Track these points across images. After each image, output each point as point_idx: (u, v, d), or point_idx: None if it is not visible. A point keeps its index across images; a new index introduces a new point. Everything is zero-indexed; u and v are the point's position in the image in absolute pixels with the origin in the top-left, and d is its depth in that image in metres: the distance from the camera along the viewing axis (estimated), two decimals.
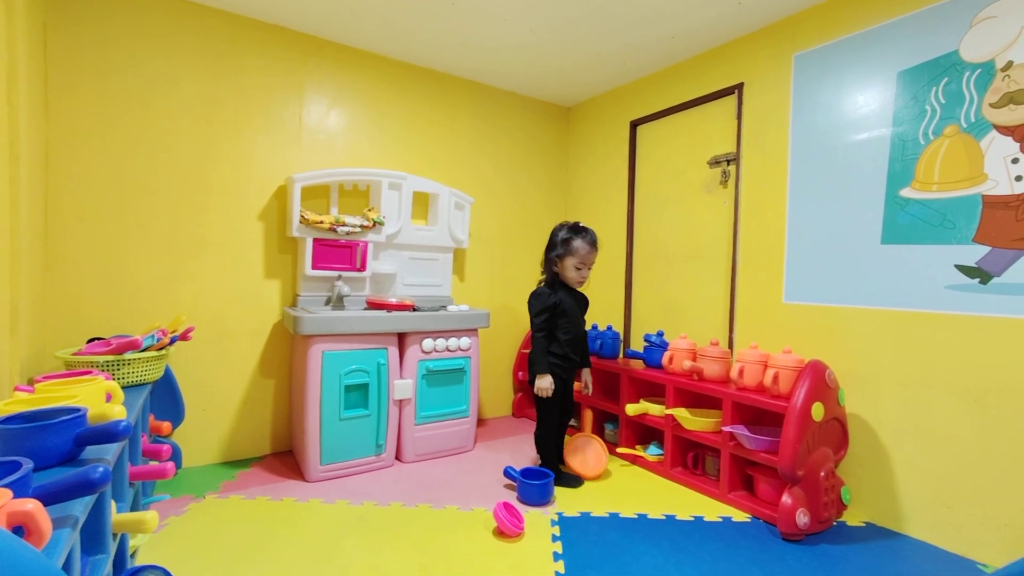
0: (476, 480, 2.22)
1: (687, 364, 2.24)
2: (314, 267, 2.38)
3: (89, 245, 2.06)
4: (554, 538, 1.75)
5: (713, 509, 2.01)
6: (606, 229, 3.16)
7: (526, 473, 2.10)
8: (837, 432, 1.92)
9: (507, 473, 2.14)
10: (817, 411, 1.79)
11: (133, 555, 1.48)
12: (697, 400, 2.36)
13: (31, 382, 1.37)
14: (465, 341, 2.51)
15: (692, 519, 1.92)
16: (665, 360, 2.37)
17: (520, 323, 3.30)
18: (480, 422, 3.03)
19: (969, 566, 1.65)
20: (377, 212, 2.52)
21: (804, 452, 1.76)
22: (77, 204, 2.04)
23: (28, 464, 0.82)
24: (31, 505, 0.68)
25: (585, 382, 2.36)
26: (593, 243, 2.19)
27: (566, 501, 2.04)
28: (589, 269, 2.23)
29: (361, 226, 2.45)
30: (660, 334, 2.52)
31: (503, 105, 3.18)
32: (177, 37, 2.20)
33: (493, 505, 1.89)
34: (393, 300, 2.41)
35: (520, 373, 3.22)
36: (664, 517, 1.93)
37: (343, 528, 1.78)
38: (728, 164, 2.44)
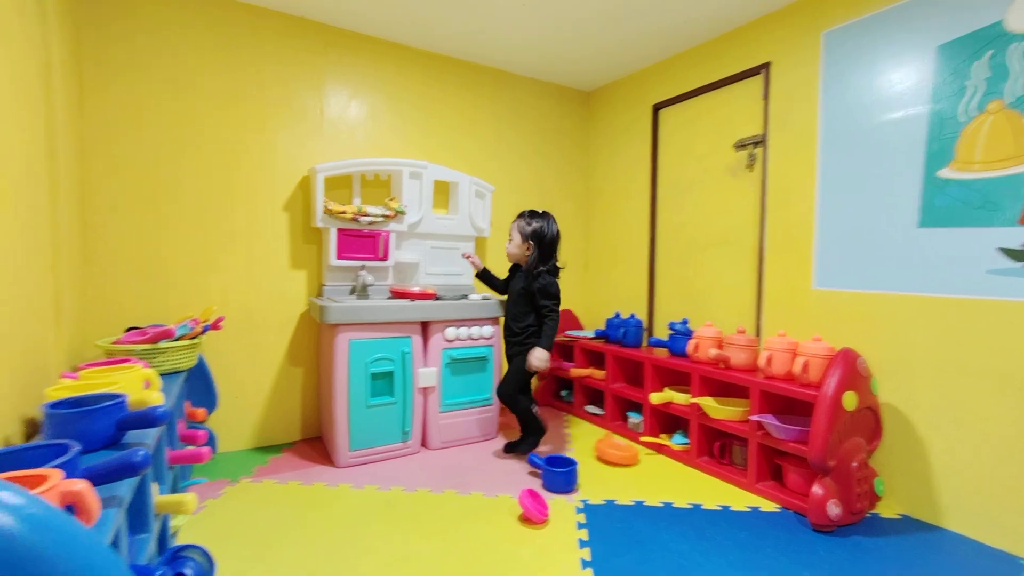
0: (501, 467, 2.24)
1: (713, 352, 2.21)
2: (339, 257, 2.41)
3: (124, 238, 2.13)
4: (579, 525, 1.76)
5: (741, 499, 1.99)
6: (628, 215, 3.12)
7: (550, 461, 2.10)
8: (870, 422, 1.87)
9: (531, 460, 2.15)
10: (849, 400, 1.74)
11: (174, 535, 1.54)
12: (723, 389, 2.32)
13: (75, 369, 1.43)
14: (487, 329, 2.52)
15: (719, 508, 1.91)
16: (690, 348, 2.33)
17: None
18: (503, 410, 3.05)
19: (1012, 561, 1.59)
20: (399, 202, 2.54)
21: (835, 442, 1.72)
22: (111, 198, 2.10)
23: (76, 446, 0.85)
24: (81, 485, 0.71)
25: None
26: None
27: (591, 489, 2.04)
28: None
29: (383, 216, 2.47)
30: (685, 322, 2.49)
31: (523, 91, 3.15)
32: (201, 30, 2.23)
33: (518, 492, 1.90)
34: (416, 289, 2.43)
35: None
36: (690, 506, 1.92)
37: (372, 512, 1.82)
38: (754, 147, 2.38)
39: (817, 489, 1.72)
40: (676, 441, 2.39)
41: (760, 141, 2.35)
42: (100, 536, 0.75)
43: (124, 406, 1.10)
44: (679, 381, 2.54)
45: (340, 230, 2.41)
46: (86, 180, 2.05)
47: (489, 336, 2.53)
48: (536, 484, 2.07)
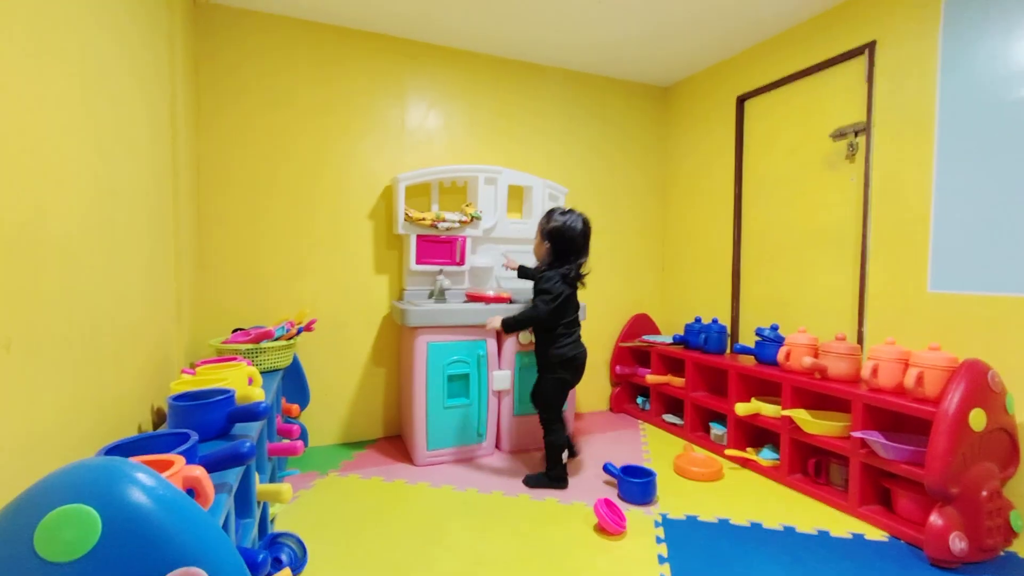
0: (575, 474, 2.21)
1: (807, 361, 2.03)
2: (418, 262, 2.51)
3: (230, 246, 2.35)
4: (658, 540, 1.68)
5: (840, 523, 1.81)
6: (709, 214, 2.96)
7: (627, 470, 2.04)
8: (1004, 445, 1.63)
9: (607, 469, 2.10)
10: (976, 419, 1.53)
11: (272, 521, 1.67)
12: (819, 401, 2.13)
13: (192, 365, 1.59)
14: None
15: (815, 532, 1.75)
16: (781, 356, 2.17)
17: (617, 316, 3.22)
18: (577, 416, 3.01)
19: None
20: (474, 207, 2.59)
21: (959, 466, 1.52)
22: (220, 210, 2.33)
23: (195, 436, 0.95)
24: (200, 471, 0.79)
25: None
26: None
27: (671, 502, 1.96)
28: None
29: (460, 221, 2.53)
30: (774, 328, 2.32)
31: (596, 90, 3.10)
32: (295, 51, 2.42)
33: (592, 500, 1.87)
34: (491, 293, 2.47)
35: (618, 367, 3.15)
36: (782, 528, 1.78)
37: (449, 511, 1.86)
38: (856, 135, 2.17)
39: (936, 519, 1.53)
40: (764, 456, 2.23)
41: (863, 129, 2.13)
42: (214, 519, 0.83)
43: (233, 400, 1.21)
44: (767, 391, 2.37)
45: (419, 236, 2.50)
46: (201, 195, 2.29)
47: None
48: (612, 494, 2.01)
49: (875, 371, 1.82)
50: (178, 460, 0.80)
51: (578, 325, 2.17)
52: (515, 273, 2.39)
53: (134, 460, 0.73)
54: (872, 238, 2.11)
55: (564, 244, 2.06)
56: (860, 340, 2.14)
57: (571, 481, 2.12)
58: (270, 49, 2.38)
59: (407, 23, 2.46)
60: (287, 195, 2.44)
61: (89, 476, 0.62)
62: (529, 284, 2.79)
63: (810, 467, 2.05)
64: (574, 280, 2.08)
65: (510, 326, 2.09)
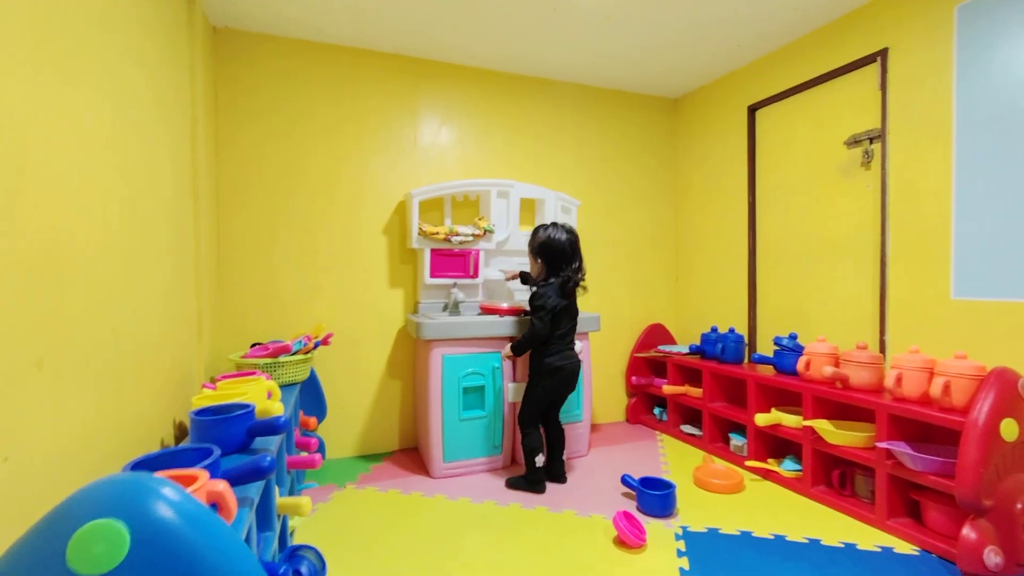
0: (592, 486, 2.19)
1: (828, 370, 2.00)
2: (432, 276, 2.53)
3: (248, 264, 2.40)
4: (679, 553, 1.66)
5: (868, 536, 1.76)
6: (722, 223, 2.95)
7: (645, 482, 2.02)
8: None
9: (625, 481, 2.08)
10: (1008, 429, 1.49)
11: (291, 534, 1.68)
12: (841, 411, 2.09)
13: (213, 380, 1.62)
14: (577, 345, 2.49)
15: (842, 546, 1.70)
16: (801, 366, 2.13)
17: (631, 326, 3.20)
18: (593, 427, 2.99)
19: None
20: (487, 221, 2.61)
21: (991, 477, 1.47)
22: (239, 230, 2.38)
23: (217, 451, 0.96)
24: (223, 486, 0.80)
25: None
26: None
27: (691, 514, 1.92)
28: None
29: (473, 235, 2.55)
30: (793, 337, 2.28)
31: (607, 103, 3.12)
32: (310, 73, 2.48)
33: (611, 512, 1.85)
34: (505, 305, 2.47)
35: (634, 378, 3.12)
36: (807, 540, 1.74)
37: (466, 524, 1.85)
38: (871, 142, 2.15)
39: (969, 532, 1.48)
40: (786, 467, 2.19)
41: (878, 135, 2.11)
42: (237, 533, 0.84)
43: (253, 415, 1.23)
44: (787, 401, 2.33)
45: (433, 250, 2.52)
46: (220, 214, 2.35)
47: (579, 351, 2.50)
48: (630, 506, 1.99)
49: (899, 380, 1.78)
50: (202, 475, 0.81)
51: (572, 335, 2.21)
52: (519, 282, 2.42)
53: (160, 475, 0.75)
54: (891, 245, 2.08)
55: (553, 256, 2.14)
56: (882, 349, 2.10)
57: (588, 493, 2.10)
58: (286, 71, 2.44)
59: (418, 43, 2.51)
60: (303, 212, 2.48)
61: (118, 491, 0.64)
62: None
63: (834, 478, 2.01)
64: (572, 288, 2.15)
65: (518, 351, 2.20)
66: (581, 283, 2.18)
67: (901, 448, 1.71)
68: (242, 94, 2.37)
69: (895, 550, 1.67)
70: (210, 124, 2.21)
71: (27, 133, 0.88)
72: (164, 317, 1.54)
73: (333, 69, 2.52)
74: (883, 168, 2.09)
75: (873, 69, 2.14)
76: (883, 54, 2.08)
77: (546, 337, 2.12)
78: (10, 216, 0.82)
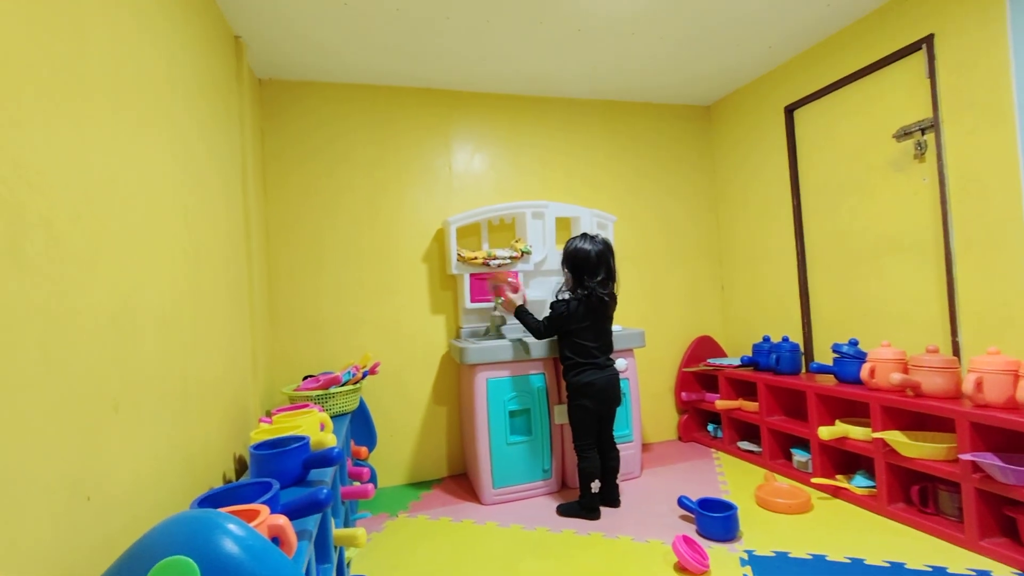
0: (648, 509, 2.11)
1: (896, 377, 1.87)
2: (472, 300, 2.55)
3: (297, 298, 2.50)
4: None
5: (958, 559, 1.61)
6: (767, 229, 2.85)
7: (704, 504, 1.93)
8: None
9: (682, 503, 1.99)
10: None
11: (348, 565, 1.69)
12: (915, 421, 1.94)
13: (268, 414, 1.68)
14: (621, 362, 2.43)
15: (929, 569, 1.56)
16: (864, 374, 2.01)
17: (678, 340, 3.11)
18: (644, 447, 2.90)
19: None
20: (524, 242, 2.63)
21: None
22: (288, 266, 2.49)
23: (276, 485, 0.99)
24: (283, 520, 0.82)
25: None
26: None
27: (756, 537, 1.82)
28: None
29: (511, 257, 2.57)
30: (853, 343, 2.16)
31: (639, 117, 3.11)
32: (351, 116, 2.60)
33: (669, 537, 1.77)
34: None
35: (683, 394, 3.02)
36: (888, 564, 1.60)
37: (520, 551, 1.82)
38: (923, 133, 2.04)
39: None
40: (857, 484, 2.05)
41: (930, 125, 2.00)
42: (298, 566, 0.85)
43: (308, 447, 1.26)
44: (852, 412, 2.19)
45: (472, 275, 2.56)
46: (271, 253, 2.47)
47: (623, 369, 2.44)
48: (690, 530, 1.90)
49: (979, 385, 1.65)
50: (263, 510, 0.84)
51: (602, 355, 2.14)
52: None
53: (224, 511, 0.77)
54: (956, 239, 1.94)
55: (578, 266, 2.13)
56: (956, 352, 1.95)
57: (644, 517, 2.03)
58: (327, 115, 2.57)
59: (450, 75, 2.59)
60: (346, 247, 2.58)
61: (188, 528, 0.67)
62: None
63: (914, 495, 1.85)
64: (598, 304, 2.09)
65: (518, 313, 2.24)
66: (607, 293, 2.10)
67: (989, 460, 1.57)
68: (289, 141, 2.51)
69: (993, 574, 1.52)
70: (258, 170, 2.35)
71: (108, 189, 0.96)
72: (223, 355, 1.62)
73: (370, 108, 2.63)
74: (939, 159, 1.97)
75: (918, 57, 2.04)
76: (928, 40, 1.99)
77: (546, 335, 2.20)
78: (92, 270, 0.88)
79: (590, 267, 2.10)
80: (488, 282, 2.51)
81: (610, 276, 2.13)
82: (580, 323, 2.10)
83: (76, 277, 0.84)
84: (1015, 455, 1.62)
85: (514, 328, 2.64)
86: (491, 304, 2.59)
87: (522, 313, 2.25)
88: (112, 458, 0.91)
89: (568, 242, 2.20)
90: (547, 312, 2.20)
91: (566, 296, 2.17)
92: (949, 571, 1.55)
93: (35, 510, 0.70)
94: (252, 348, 1.99)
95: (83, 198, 0.88)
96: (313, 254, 2.53)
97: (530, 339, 2.35)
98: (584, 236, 2.17)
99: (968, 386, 1.67)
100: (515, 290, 2.35)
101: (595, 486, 2.07)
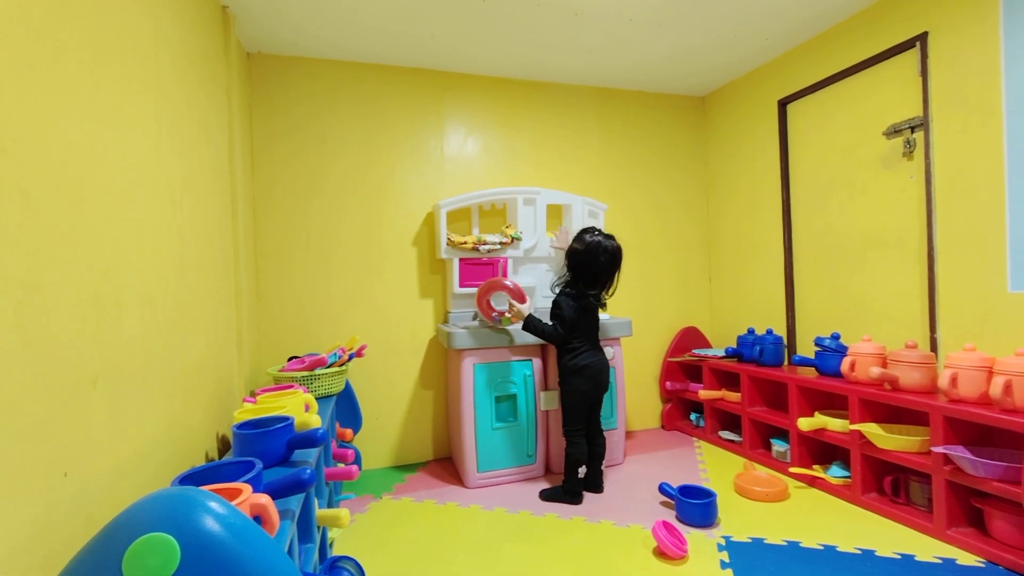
0: (629, 495, 2.15)
1: (876, 371, 1.91)
2: (461, 285, 2.54)
3: (283, 278, 2.47)
4: (723, 564, 1.60)
5: (926, 547, 1.66)
6: (757, 222, 2.87)
7: (685, 491, 1.97)
8: None
9: (663, 490, 2.03)
10: None
11: (331, 546, 1.70)
12: (891, 414, 1.99)
13: (253, 394, 1.67)
14: (608, 351, 2.45)
15: (898, 557, 1.61)
16: (845, 367, 2.05)
17: (664, 330, 3.14)
18: (628, 434, 2.94)
19: None
20: (514, 228, 2.62)
21: None
22: (275, 245, 2.46)
23: (259, 464, 0.99)
24: (266, 499, 0.82)
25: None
26: None
27: (733, 524, 1.86)
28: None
29: (501, 243, 2.56)
30: (835, 337, 2.20)
31: (633, 105, 3.09)
32: (339, 92, 2.55)
33: (650, 522, 1.81)
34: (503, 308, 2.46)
35: (668, 383, 3.06)
36: (859, 551, 1.65)
37: (503, 536, 1.84)
38: (912, 131, 2.05)
39: None
40: (833, 474, 2.10)
41: (920, 124, 2.02)
42: (280, 545, 0.85)
43: (292, 428, 1.26)
44: (831, 404, 2.24)
45: (462, 260, 2.54)
46: (257, 231, 2.43)
47: (610, 357, 2.46)
48: (670, 516, 1.94)
49: (954, 380, 1.69)
50: (246, 488, 0.83)
51: (592, 339, 2.17)
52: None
53: (206, 488, 0.77)
54: (940, 237, 1.98)
55: (579, 261, 2.08)
56: (933, 347, 1.99)
57: (625, 503, 2.06)
58: (316, 91, 2.52)
59: (443, 57, 2.55)
60: (333, 227, 2.54)
61: (168, 506, 0.66)
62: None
63: (887, 485, 1.91)
64: (592, 304, 2.11)
65: (527, 327, 2.14)
66: (599, 300, 2.13)
67: (960, 453, 1.61)
68: (275, 113, 2.46)
69: (958, 562, 1.57)
70: (246, 144, 2.30)
71: (87, 159, 0.93)
72: (208, 333, 1.60)
73: (360, 86, 2.58)
74: (927, 157, 1.99)
75: (911, 55, 2.05)
76: (922, 38, 2.00)
77: (563, 341, 2.13)
78: (72, 243, 0.86)
79: (590, 274, 2.07)
80: (482, 301, 2.31)
81: (608, 287, 2.14)
82: (580, 317, 2.13)
83: (54, 250, 0.81)
84: (985, 448, 1.67)
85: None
86: (491, 303, 2.57)
87: (533, 323, 2.12)
88: (92, 435, 0.90)
89: (586, 234, 2.08)
90: (550, 313, 2.14)
91: (558, 290, 2.16)
92: (917, 558, 1.60)
93: (8, 485, 0.69)
94: (237, 327, 1.97)
95: (62, 167, 0.85)
96: (300, 234, 2.50)
97: (520, 326, 2.35)
98: (591, 230, 2.10)
99: (943, 381, 1.71)
100: (521, 299, 2.24)
101: (581, 472, 2.10)
